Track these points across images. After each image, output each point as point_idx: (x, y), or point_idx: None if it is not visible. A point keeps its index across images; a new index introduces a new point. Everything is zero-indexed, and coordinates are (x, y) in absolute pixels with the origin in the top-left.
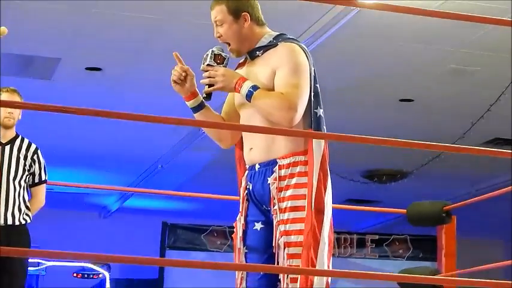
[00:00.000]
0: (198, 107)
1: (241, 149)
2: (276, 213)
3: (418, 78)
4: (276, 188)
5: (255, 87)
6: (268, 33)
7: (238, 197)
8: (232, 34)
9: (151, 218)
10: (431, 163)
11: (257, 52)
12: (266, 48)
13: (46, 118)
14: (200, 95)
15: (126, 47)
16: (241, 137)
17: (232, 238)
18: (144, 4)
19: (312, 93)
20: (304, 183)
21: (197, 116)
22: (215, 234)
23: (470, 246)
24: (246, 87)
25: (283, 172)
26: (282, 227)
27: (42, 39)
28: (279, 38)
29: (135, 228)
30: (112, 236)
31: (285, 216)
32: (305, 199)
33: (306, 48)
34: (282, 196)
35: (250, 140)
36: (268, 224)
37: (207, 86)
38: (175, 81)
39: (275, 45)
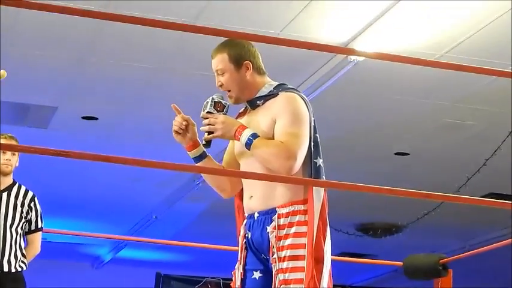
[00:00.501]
0: (200, 157)
1: (241, 198)
2: (275, 262)
3: (413, 132)
4: (275, 236)
5: (254, 135)
6: (268, 83)
7: (233, 247)
8: (233, 83)
9: (144, 269)
10: (426, 217)
11: (258, 102)
12: (267, 97)
13: (41, 168)
14: (201, 144)
15: (122, 96)
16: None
17: (230, 287)
18: (141, 54)
19: (312, 143)
20: (304, 233)
21: (199, 165)
22: (209, 286)
23: None
24: (245, 135)
25: (282, 221)
26: (281, 276)
27: (38, 88)
28: (280, 88)
29: (128, 279)
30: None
31: (284, 265)
32: (304, 248)
33: (306, 98)
34: (281, 245)
35: (249, 188)
36: (267, 273)
37: (207, 134)
38: (176, 132)
39: (275, 94)
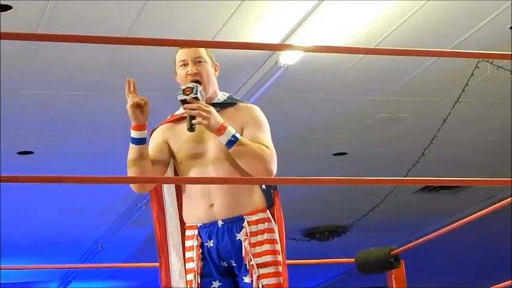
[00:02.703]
0: (141, 140)
1: (159, 206)
2: (254, 268)
3: (349, 131)
4: (249, 243)
5: (237, 134)
6: (221, 92)
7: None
8: (208, 75)
9: None
10: (371, 214)
11: (216, 108)
12: (223, 105)
13: None
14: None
15: (57, 127)
16: (160, 191)
17: None
18: (72, 81)
19: None
20: (275, 240)
21: (134, 147)
22: None
23: None
24: (230, 132)
25: (253, 228)
26: (264, 281)
27: None
28: (233, 99)
29: None
30: None
31: (265, 270)
32: (278, 254)
33: None
34: (257, 251)
35: (209, 196)
36: (226, 281)
37: (190, 117)
38: (136, 105)
39: (233, 104)
